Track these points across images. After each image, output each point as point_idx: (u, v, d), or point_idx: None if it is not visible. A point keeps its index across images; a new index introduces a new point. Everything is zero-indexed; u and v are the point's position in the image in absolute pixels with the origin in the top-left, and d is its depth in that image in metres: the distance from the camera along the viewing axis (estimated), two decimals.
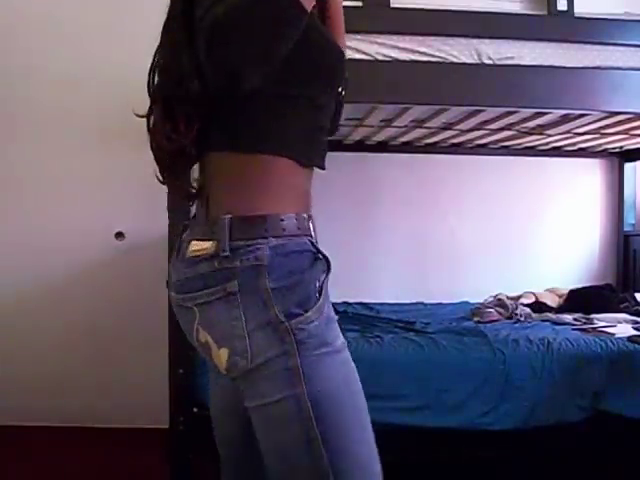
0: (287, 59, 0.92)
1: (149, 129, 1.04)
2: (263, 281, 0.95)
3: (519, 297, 3.21)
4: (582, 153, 3.69)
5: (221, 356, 0.98)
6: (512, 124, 2.85)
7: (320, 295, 0.99)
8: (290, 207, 1.01)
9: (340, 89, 1.13)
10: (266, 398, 0.97)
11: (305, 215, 1.04)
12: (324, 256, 1.03)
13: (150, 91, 1.04)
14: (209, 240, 0.98)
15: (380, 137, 3.35)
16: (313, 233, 1.05)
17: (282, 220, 0.99)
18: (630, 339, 2.41)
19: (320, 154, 1.09)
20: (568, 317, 2.89)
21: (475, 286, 3.47)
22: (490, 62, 2.23)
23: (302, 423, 0.96)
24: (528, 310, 2.99)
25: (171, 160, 1.02)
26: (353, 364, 1.04)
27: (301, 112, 1.03)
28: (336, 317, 1.05)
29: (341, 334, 1.03)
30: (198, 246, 1.00)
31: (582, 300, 3.10)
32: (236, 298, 0.96)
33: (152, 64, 1.06)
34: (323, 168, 1.09)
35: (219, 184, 1.03)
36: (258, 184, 1.00)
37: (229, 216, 0.97)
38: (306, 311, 0.97)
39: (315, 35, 1.03)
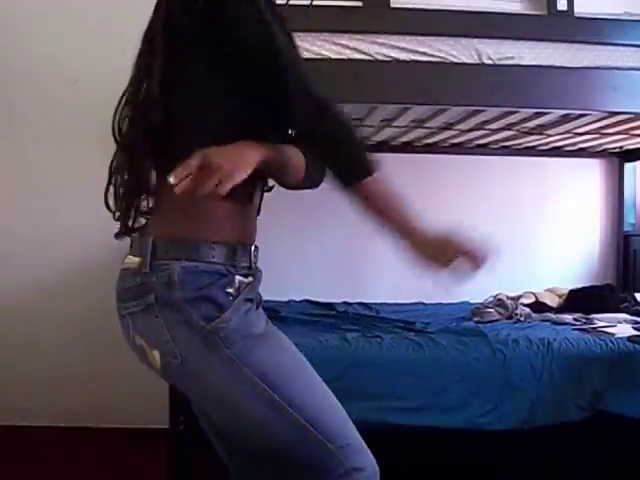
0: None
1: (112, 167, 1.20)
2: (175, 294, 1.08)
3: (519, 297, 3.21)
4: (582, 153, 3.69)
5: (155, 357, 1.12)
6: (512, 124, 2.85)
7: (235, 299, 1.10)
8: (210, 235, 1.12)
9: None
10: (216, 392, 1.11)
11: (224, 244, 1.12)
12: (244, 273, 1.15)
13: (116, 136, 1.17)
14: (137, 257, 1.13)
15: (380, 137, 3.35)
16: (238, 260, 1.14)
17: (198, 247, 1.11)
18: (630, 339, 2.41)
19: (251, 185, 1.14)
20: (568, 317, 2.88)
21: (475, 286, 3.45)
22: (490, 62, 2.23)
23: (261, 398, 1.09)
24: (528, 310, 2.99)
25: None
26: (287, 344, 1.19)
27: (220, 133, 1.10)
28: (258, 311, 1.19)
29: (265, 323, 1.18)
30: (129, 260, 1.15)
31: (582, 300, 3.09)
32: (154, 309, 1.09)
33: (121, 103, 1.17)
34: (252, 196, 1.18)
35: (158, 206, 1.17)
36: (184, 211, 1.11)
37: (153, 237, 1.12)
38: (221, 314, 1.08)
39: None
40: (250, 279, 1.15)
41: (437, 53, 2.21)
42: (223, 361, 1.08)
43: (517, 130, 2.99)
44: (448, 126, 2.98)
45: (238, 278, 1.13)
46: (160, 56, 1.10)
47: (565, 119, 2.70)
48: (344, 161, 1.08)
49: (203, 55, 1.08)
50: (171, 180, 0.98)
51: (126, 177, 1.17)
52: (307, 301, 3.25)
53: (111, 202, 1.20)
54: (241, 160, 1.03)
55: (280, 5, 1.24)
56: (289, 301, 3.19)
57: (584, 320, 2.81)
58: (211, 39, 1.07)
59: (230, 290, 1.11)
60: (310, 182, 1.23)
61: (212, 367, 1.09)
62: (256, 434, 1.13)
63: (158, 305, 1.09)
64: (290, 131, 1.18)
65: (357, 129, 1.09)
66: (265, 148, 1.09)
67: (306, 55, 2.14)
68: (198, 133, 1.10)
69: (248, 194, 1.16)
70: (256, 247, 1.20)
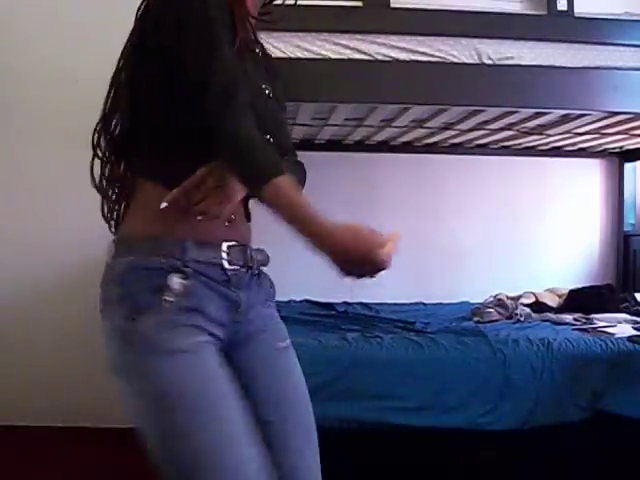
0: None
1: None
2: (114, 291, 1.10)
3: (519, 297, 3.21)
4: (582, 153, 3.69)
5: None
6: (512, 124, 2.85)
7: (162, 303, 1.06)
8: (150, 230, 1.11)
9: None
10: (124, 394, 1.10)
11: (163, 236, 1.10)
12: (186, 271, 1.09)
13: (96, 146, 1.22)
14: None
15: (380, 137, 3.35)
16: (182, 252, 1.09)
17: (138, 241, 1.11)
18: (630, 339, 2.41)
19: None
20: (568, 317, 2.88)
21: (475, 286, 3.46)
22: (490, 62, 2.23)
23: (148, 416, 1.07)
24: (528, 310, 2.99)
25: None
26: (208, 368, 1.07)
27: (166, 138, 1.12)
28: (189, 325, 1.09)
29: (195, 339, 1.07)
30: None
31: (582, 300, 3.09)
32: (106, 307, 1.12)
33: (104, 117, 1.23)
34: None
35: (127, 209, 1.21)
36: (141, 209, 1.14)
37: (115, 239, 1.15)
38: (139, 316, 1.06)
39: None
40: (190, 281, 1.08)
41: (437, 53, 2.21)
42: (131, 365, 1.06)
43: (517, 130, 2.99)
44: (448, 126, 2.98)
45: (177, 280, 1.07)
46: (125, 72, 1.17)
47: (565, 119, 2.70)
48: (244, 167, 1.04)
49: (155, 70, 1.11)
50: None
51: (105, 185, 1.23)
52: (307, 301, 3.25)
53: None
54: None
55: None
56: (289, 301, 3.19)
57: (584, 320, 2.81)
58: (158, 56, 1.10)
59: (162, 292, 1.07)
60: None
61: (124, 369, 1.08)
62: (153, 451, 1.08)
63: (104, 303, 1.12)
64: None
65: (260, 138, 1.04)
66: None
67: (306, 55, 2.15)
68: (154, 147, 1.14)
69: None
70: (238, 246, 1.15)
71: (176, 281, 1.08)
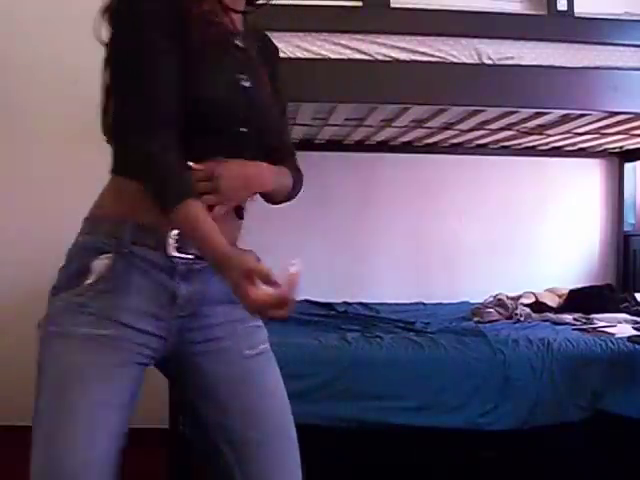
0: None
1: None
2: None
3: (519, 297, 3.21)
4: (582, 153, 3.69)
5: None
6: (512, 124, 2.84)
7: (80, 285, 1.07)
8: (97, 213, 1.14)
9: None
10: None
11: (105, 219, 1.11)
12: (119, 252, 1.08)
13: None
14: None
15: (380, 137, 3.35)
16: (121, 233, 1.08)
17: (86, 221, 1.14)
18: (630, 339, 2.41)
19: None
20: (568, 317, 2.88)
21: (475, 286, 3.46)
22: (490, 62, 2.23)
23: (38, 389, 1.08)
24: (528, 310, 2.99)
25: None
26: (85, 366, 1.05)
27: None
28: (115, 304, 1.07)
29: (95, 331, 1.05)
30: None
31: (582, 300, 3.09)
32: None
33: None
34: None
35: None
36: (105, 190, 1.16)
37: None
38: (57, 292, 1.09)
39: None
40: (112, 260, 1.06)
41: (437, 53, 2.21)
42: (43, 335, 1.08)
43: (517, 130, 2.99)
44: (448, 126, 2.98)
45: (101, 262, 1.06)
46: (106, 71, 1.22)
47: (565, 119, 2.70)
48: (152, 192, 1.03)
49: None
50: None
51: None
52: (307, 301, 3.25)
53: None
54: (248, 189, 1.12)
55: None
56: None
57: (584, 320, 2.81)
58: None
59: (85, 273, 1.07)
60: (290, 198, 1.27)
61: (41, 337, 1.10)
62: None
63: None
64: None
65: (160, 161, 1.02)
66: (273, 175, 1.15)
67: (306, 55, 2.15)
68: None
69: None
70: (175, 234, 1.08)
71: (100, 263, 1.07)
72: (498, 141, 3.37)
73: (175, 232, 1.07)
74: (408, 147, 3.55)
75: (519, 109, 2.50)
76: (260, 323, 1.19)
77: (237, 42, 1.17)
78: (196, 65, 1.08)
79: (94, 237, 1.10)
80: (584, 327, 2.68)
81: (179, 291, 1.09)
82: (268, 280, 0.96)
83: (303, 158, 1.32)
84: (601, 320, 2.78)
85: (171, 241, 1.07)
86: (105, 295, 1.06)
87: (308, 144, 3.36)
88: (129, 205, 1.08)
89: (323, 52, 2.17)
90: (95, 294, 1.06)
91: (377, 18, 2.21)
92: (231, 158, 1.11)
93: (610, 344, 2.35)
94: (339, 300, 3.26)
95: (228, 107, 1.10)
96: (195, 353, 1.14)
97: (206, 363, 1.14)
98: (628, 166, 3.69)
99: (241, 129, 1.12)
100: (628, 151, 3.60)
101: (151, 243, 1.08)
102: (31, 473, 1.08)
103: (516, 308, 2.98)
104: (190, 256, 1.09)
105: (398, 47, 2.20)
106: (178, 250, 1.08)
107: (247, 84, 1.14)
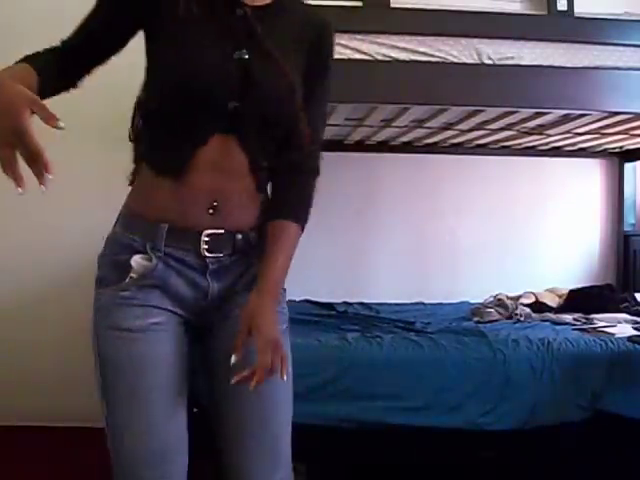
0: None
1: None
2: (99, 257, 1.19)
3: (519, 297, 3.21)
4: (582, 153, 3.69)
5: None
6: (512, 124, 2.84)
7: (123, 280, 1.13)
8: (134, 208, 1.17)
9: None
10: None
11: (143, 216, 1.15)
12: (153, 253, 1.13)
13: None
14: None
15: (380, 137, 3.35)
16: (155, 234, 1.13)
17: (121, 217, 1.18)
18: (630, 339, 2.41)
19: (174, 161, 1.13)
20: (568, 317, 2.88)
21: (475, 286, 3.47)
22: (490, 62, 2.23)
23: (99, 382, 1.18)
24: (528, 310, 2.99)
25: None
26: (149, 355, 1.12)
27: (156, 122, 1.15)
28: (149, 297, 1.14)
29: (147, 320, 1.13)
30: None
31: (582, 300, 3.09)
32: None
33: None
34: (175, 175, 1.13)
35: None
36: (134, 183, 1.20)
37: None
38: (102, 287, 1.15)
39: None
40: (152, 263, 1.12)
41: (437, 53, 2.21)
42: (96, 329, 1.15)
43: (517, 130, 2.99)
44: (448, 126, 2.98)
45: (140, 261, 1.12)
46: None
47: (565, 119, 2.70)
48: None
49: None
50: None
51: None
52: (307, 301, 3.25)
53: None
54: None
55: None
56: (289, 301, 3.17)
57: (584, 320, 2.81)
58: None
59: (125, 269, 1.12)
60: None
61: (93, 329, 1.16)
62: None
63: None
64: None
65: None
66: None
67: None
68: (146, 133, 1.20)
69: (176, 167, 1.12)
70: (225, 234, 1.14)
71: (139, 262, 1.12)
72: (498, 141, 3.37)
73: (207, 233, 1.13)
74: (408, 147, 3.55)
75: (519, 109, 2.50)
76: (282, 308, 1.26)
77: (240, 14, 1.13)
78: (180, 39, 1.09)
79: (129, 234, 1.15)
80: (584, 327, 2.68)
81: (211, 289, 1.16)
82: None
83: None
84: (601, 320, 2.78)
85: (203, 244, 1.13)
86: (148, 289, 1.13)
87: None
88: (163, 206, 1.13)
89: None
90: (139, 288, 1.12)
91: (377, 18, 2.21)
92: (227, 134, 1.12)
93: (610, 344, 2.35)
94: (339, 300, 3.26)
95: (215, 80, 1.09)
96: (215, 333, 1.21)
97: (223, 340, 1.18)
98: (628, 166, 3.69)
99: (234, 104, 1.11)
100: (628, 151, 3.60)
101: (185, 245, 1.13)
102: (115, 464, 1.14)
103: (516, 308, 2.98)
104: (221, 255, 1.15)
105: (398, 47, 2.20)
106: (210, 251, 1.14)
107: (244, 57, 1.11)
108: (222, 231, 1.14)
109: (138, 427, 1.11)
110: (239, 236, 1.16)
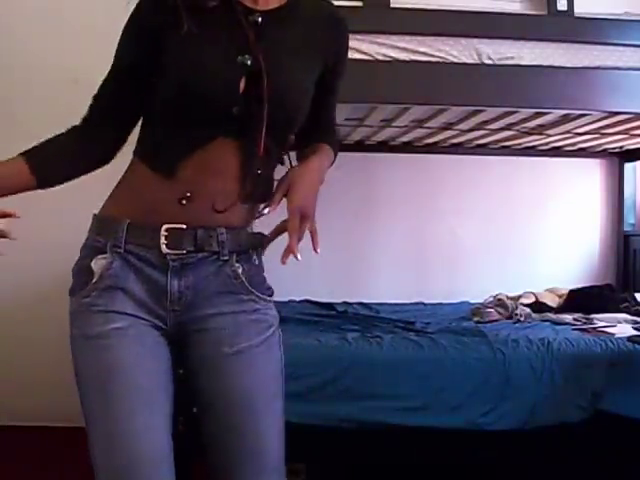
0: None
1: None
2: None
3: (519, 297, 3.21)
4: (582, 153, 3.69)
5: None
6: (512, 124, 2.84)
7: (86, 286, 1.10)
8: (106, 209, 1.17)
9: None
10: None
11: (110, 216, 1.14)
12: (115, 251, 1.11)
13: None
14: None
15: (380, 137, 3.35)
16: (118, 232, 1.11)
17: (93, 220, 1.18)
18: (630, 339, 2.41)
19: (169, 159, 1.11)
20: (568, 317, 2.88)
21: (475, 286, 3.47)
22: (490, 62, 2.23)
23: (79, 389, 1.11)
24: (528, 310, 2.99)
25: None
26: (115, 358, 1.08)
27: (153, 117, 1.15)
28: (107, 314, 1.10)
29: (109, 326, 1.09)
30: None
31: (582, 300, 3.09)
32: None
33: None
34: (168, 175, 1.11)
35: None
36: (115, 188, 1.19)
37: None
38: (71, 295, 1.13)
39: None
40: (107, 261, 1.10)
41: (437, 53, 2.21)
42: (70, 337, 1.13)
43: (517, 130, 2.99)
44: (448, 126, 2.98)
45: (99, 262, 1.10)
46: None
47: (565, 119, 2.70)
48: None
49: None
50: None
51: None
52: (307, 301, 3.25)
53: None
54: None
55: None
56: (289, 301, 3.19)
57: (584, 320, 2.81)
58: None
59: (88, 274, 1.11)
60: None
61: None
62: None
63: None
64: None
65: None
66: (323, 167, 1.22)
67: None
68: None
69: (167, 167, 1.10)
70: (188, 229, 1.09)
71: (99, 263, 1.11)
72: (498, 141, 3.37)
73: (165, 228, 1.09)
74: (408, 147, 3.55)
75: (519, 109, 2.50)
76: (264, 315, 1.17)
77: (250, 19, 1.11)
78: (185, 49, 1.08)
79: (95, 236, 1.14)
80: (584, 327, 2.68)
81: (171, 287, 1.11)
82: None
83: None
84: (601, 320, 2.78)
85: (162, 238, 1.09)
86: (111, 292, 1.10)
87: None
88: (126, 204, 1.13)
89: None
90: (99, 293, 1.10)
91: (377, 18, 2.21)
92: (229, 138, 1.10)
93: (610, 344, 2.35)
94: (339, 300, 3.26)
95: (217, 85, 1.08)
96: (189, 344, 1.15)
97: (195, 352, 1.15)
98: (628, 166, 3.69)
99: (239, 108, 1.09)
100: (628, 151, 3.60)
101: (145, 241, 1.10)
102: (96, 473, 1.11)
103: (516, 308, 2.98)
104: (183, 251, 1.10)
105: (398, 47, 2.20)
106: (170, 247, 1.09)
107: (247, 62, 1.09)
108: (184, 226, 1.09)
109: (113, 438, 1.06)
110: (201, 231, 1.10)
